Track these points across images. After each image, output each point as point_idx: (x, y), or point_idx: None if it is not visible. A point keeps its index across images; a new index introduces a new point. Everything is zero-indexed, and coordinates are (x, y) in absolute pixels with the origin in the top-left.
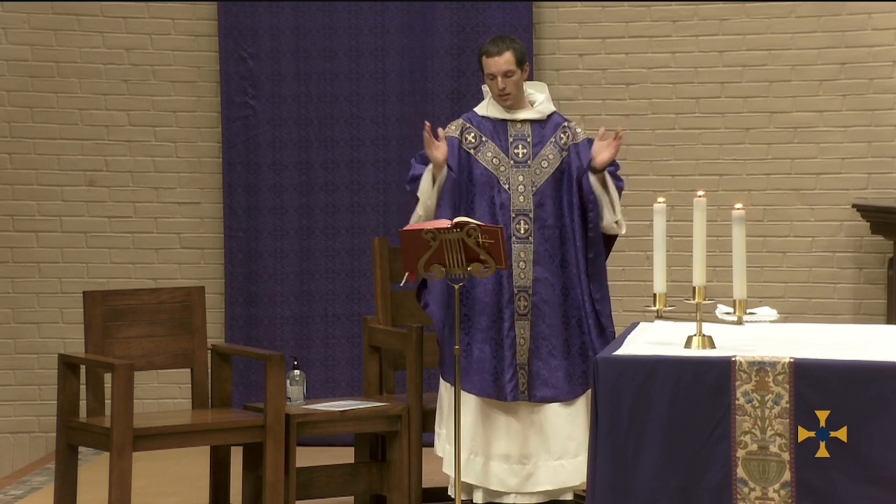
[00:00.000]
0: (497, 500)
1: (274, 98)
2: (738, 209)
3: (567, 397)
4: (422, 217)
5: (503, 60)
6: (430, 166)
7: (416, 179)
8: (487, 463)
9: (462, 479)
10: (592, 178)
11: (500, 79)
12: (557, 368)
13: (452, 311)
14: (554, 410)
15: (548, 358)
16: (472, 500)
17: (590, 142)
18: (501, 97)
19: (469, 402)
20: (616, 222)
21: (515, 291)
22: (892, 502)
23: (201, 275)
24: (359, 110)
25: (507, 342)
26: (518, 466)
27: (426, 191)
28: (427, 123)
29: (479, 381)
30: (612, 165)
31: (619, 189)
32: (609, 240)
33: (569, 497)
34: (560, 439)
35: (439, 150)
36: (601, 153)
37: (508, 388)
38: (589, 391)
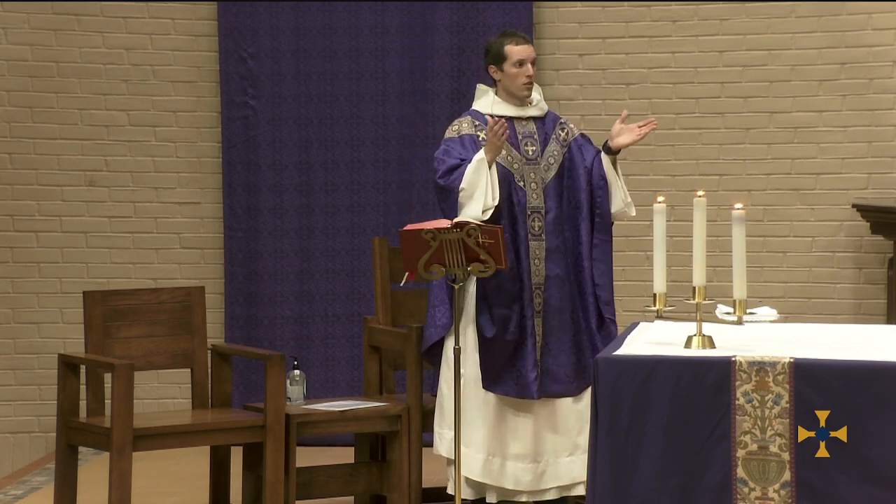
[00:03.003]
0: (510, 499)
1: (274, 98)
2: (738, 209)
3: (576, 392)
4: (489, 212)
5: (530, 49)
6: (481, 159)
7: (452, 171)
8: (504, 463)
9: (479, 480)
10: (606, 161)
11: (529, 65)
12: (566, 364)
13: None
14: (564, 407)
15: (557, 354)
16: (482, 499)
17: (583, 136)
18: (527, 85)
19: (487, 401)
20: (627, 204)
21: (533, 289)
22: (893, 502)
23: (201, 275)
24: (359, 110)
25: (531, 342)
26: (532, 465)
27: (486, 185)
28: (501, 120)
29: (505, 380)
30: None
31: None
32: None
33: (581, 492)
34: (571, 435)
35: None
36: (621, 136)
37: (534, 386)
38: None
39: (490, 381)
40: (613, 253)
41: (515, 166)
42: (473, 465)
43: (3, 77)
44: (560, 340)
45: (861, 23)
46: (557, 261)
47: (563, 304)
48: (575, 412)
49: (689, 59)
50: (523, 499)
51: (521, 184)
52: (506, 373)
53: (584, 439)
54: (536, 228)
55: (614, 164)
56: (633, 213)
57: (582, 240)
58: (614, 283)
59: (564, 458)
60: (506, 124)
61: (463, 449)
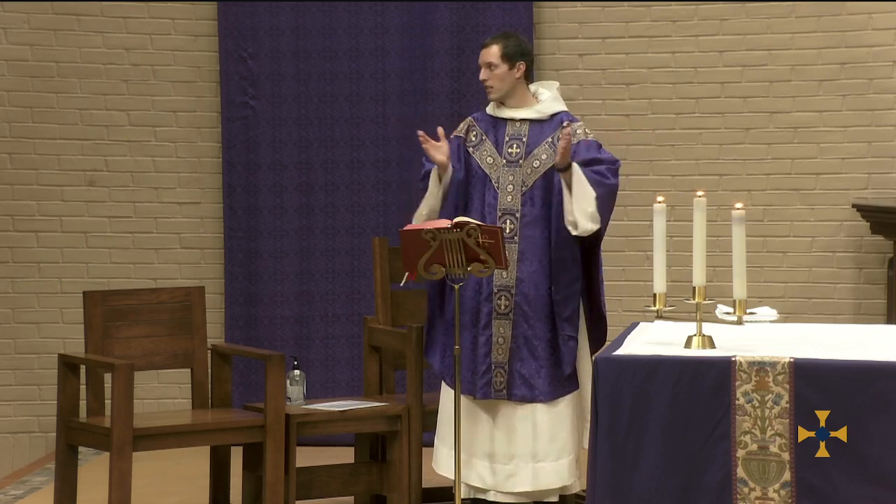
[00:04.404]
0: (481, 497)
1: (274, 98)
2: (738, 209)
3: (548, 398)
4: (424, 216)
5: (489, 52)
6: (433, 169)
7: (426, 177)
8: (469, 459)
9: (441, 474)
10: (560, 177)
11: (482, 69)
12: (539, 368)
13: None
14: (540, 412)
15: (529, 358)
16: (482, 500)
17: (583, 143)
18: (484, 88)
19: (453, 398)
20: (568, 222)
21: (495, 290)
22: (893, 502)
23: (201, 275)
24: (359, 110)
25: (482, 339)
26: (499, 466)
27: (432, 190)
28: (420, 133)
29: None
30: (600, 165)
31: (599, 193)
32: (592, 242)
33: (553, 499)
34: (543, 442)
35: (440, 152)
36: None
37: (479, 384)
38: (573, 394)
39: (449, 375)
40: (615, 253)
41: (494, 168)
42: (440, 459)
43: (3, 77)
44: (532, 345)
45: (861, 23)
46: (532, 263)
47: (538, 308)
48: (549, 418)
49: (689, 59)
50: (490, 497)
51: (496, 185)
52: (463, 370)
53: (556, 447)
54: (508, 231)
55: (568, 181)
56: (574, 233)
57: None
58: (615, 283)
59: (534, 463)
60: (421, 136)
61: (436, 443)
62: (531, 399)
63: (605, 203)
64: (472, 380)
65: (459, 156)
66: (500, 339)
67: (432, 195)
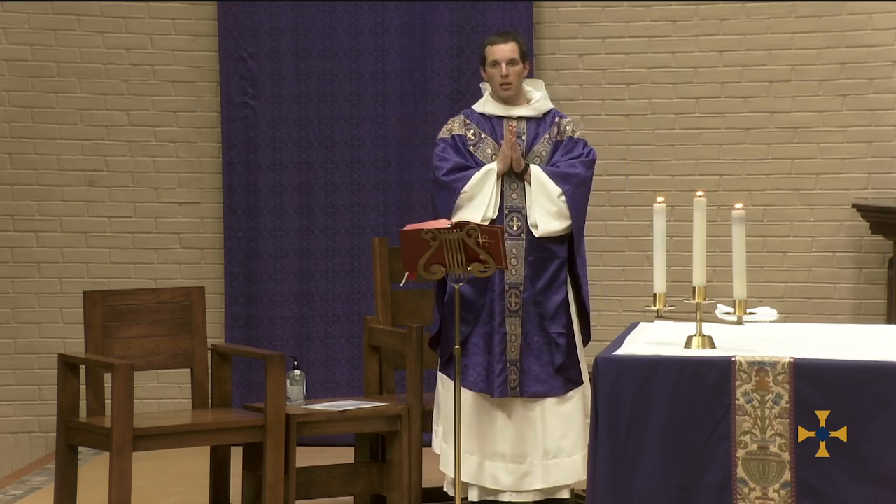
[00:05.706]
0: (493, 498)
1: (274, 98)
2: (738, 209)
3: (559, 391)
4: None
5: (508, 48)
6: (491, 170)
7: (458, 170)
8: (482, 461)
9: (451, 475)
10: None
11: (503, 66)
12: (550, 364)
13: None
14: (549, 409)
15: (540, 353)
16: (467, 498)
17: (571, 140)
18: (503, 86)
19: (465, 399)
20: (532, 225)
21: (507, 288)
22: (893, 502)
23: (201, 275)
24: (359, 110)
25: (497, 338)
26: (513, 465)
27: (490, 195)
28: (511, 124)
29: (472, 375)
30: (567, 167)
31: (566, 188)
32: (574, 241)
33: (566, 495)
34: (555, 438)
35: (516, 150)
36: None
37: (496, 383)
38: (581, 390)
39: (462, 375)
40: (615, 253)
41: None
42: (451, 462)
43: (3, 77)
44: (543, 340)
45: (861, 23)
46: (541, 260)
47: (548, 303)
48: (559, 415)
49: (689, 59)
50: (506, 498)
51: (500, 183)
52: (477, 368)
53: (568, 443)
54: (515, 228)
55: (529, 180)
56: (536, 234)
57: (564, 241)
58: (615, 283)
59: (547, 460)
60: (512, 139)
61: (444, 446)
62: (543, 394)
63: (576, 197)
64: (488, 378)
65: (464, 154)
66: (513, 336)
67: (492, 200)
